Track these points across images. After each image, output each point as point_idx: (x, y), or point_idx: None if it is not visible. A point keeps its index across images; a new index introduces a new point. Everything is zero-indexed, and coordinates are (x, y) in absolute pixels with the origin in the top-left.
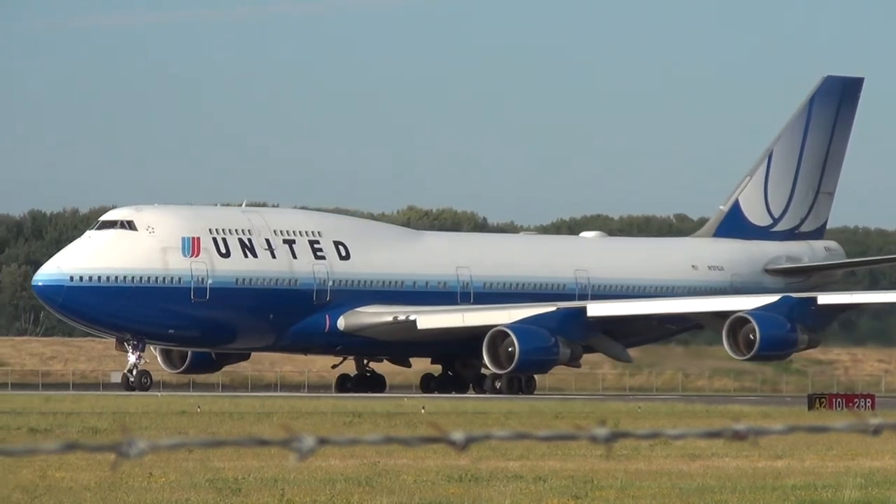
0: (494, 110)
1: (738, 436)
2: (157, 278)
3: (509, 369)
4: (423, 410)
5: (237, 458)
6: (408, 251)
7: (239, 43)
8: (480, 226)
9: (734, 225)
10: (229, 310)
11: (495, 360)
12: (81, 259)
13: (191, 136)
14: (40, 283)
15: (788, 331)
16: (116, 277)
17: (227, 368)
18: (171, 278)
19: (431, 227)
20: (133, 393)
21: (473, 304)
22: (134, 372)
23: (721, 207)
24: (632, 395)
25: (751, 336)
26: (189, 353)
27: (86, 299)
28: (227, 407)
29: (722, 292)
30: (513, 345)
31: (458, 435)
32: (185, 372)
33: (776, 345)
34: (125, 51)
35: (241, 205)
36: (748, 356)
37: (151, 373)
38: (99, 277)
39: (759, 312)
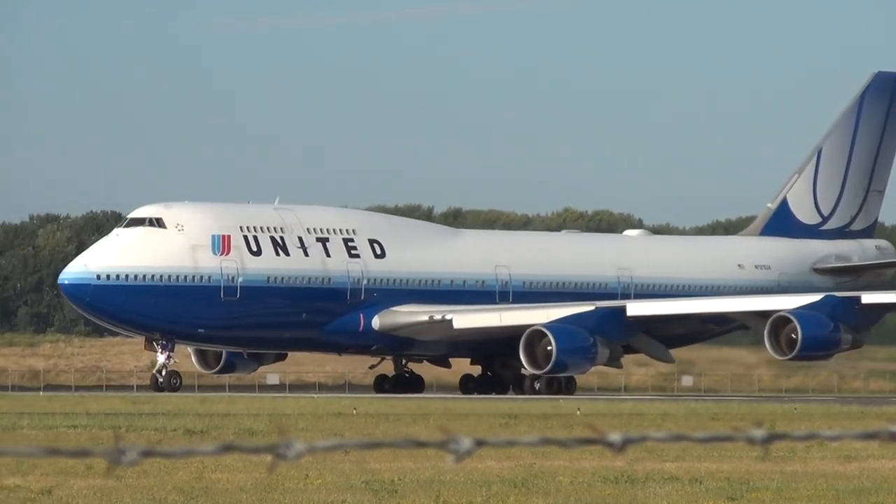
0: (650, 111)
1: (895, 437)
2: (186, 277)
3: (546, 369)
4: (578, 412)
5: (393, 459)
6: (445, 249)
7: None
8: (636, 227)
9: (782, 223)
10: (260, 309)
11: (532, 360)
12: (109, 257)
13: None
14: (66, 282)
15: (831, 330)
16: (144, 276)
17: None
18: (201, 277)
19: (587, 229)
20: (163, 393)
21: (513, 303)
22: (163, 372)
23: (769, 205)
24: (787, 397)
25: (792, 336)
26: (224, 353)
27: (113, 298)
28: (383, 408)
29: (769, 292)
30: (550, 344)
31: (615, 436)
32: (220, 372)
33: (818, 345)
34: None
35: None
36: (790, 356)
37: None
38: (126, 276)
39: (801, 312)
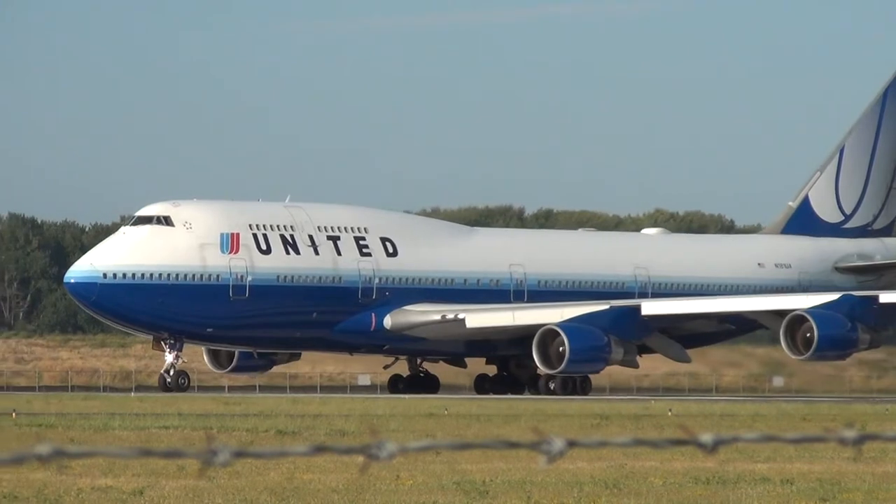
0: (741, 111)
1: None
2: (194, 276)
3: (559, 369)
4: (670, 413)
5: (484, 460)
6: (459, 248)
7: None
8: (727, 227)
9: (804, 221)
10: (270, 308)
11: (546, 359)
12: (116, 256)
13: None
14: (73, 281)
15: (848, 330)
16: (152, 275)
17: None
18: (209, 276)
19: (678, 230)
20: (171, 393)
21: (528, 302)
22: (171, 372)
23: (790, 203)
24: (879, 398)
25: (808, 335)
26: (236, 352)
27: (120, 297)
28: (474, 409)
29: (789, 291)
30: (563, 344)
31: (706, 437)
32: (233, 372)
33: (835, 344)
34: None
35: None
36: (806, 356)
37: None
38: (133, 275)
39: (817, 311)
